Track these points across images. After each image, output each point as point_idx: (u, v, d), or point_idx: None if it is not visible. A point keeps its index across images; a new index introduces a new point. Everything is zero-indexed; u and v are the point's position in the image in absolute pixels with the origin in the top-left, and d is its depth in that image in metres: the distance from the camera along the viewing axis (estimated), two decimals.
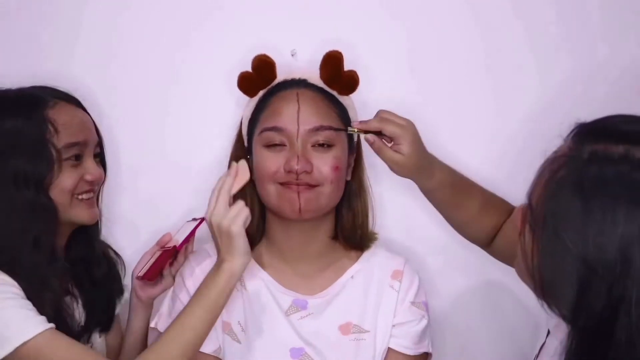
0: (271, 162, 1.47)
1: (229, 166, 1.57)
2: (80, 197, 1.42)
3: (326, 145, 1.48)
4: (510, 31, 1.71)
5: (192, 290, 1.46)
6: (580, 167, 1.03)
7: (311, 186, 1.45)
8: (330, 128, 1.48)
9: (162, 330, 1.49)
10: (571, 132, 1.09)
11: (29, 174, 1.34)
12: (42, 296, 1.33)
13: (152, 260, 1.50)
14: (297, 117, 1.46)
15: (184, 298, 1.49)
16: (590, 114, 1.74)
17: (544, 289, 1.06)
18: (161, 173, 1.76)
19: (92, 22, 1.71)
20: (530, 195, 1.09)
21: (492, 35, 1.72)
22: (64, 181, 1.39)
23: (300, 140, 1.46)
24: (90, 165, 1.44)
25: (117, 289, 1.57)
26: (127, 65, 1.73)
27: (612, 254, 0.99)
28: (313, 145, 1.47)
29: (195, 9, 1.71)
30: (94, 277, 1.50)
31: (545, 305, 1.07)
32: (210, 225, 1.38)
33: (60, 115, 1.40)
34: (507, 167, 1.71)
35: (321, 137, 1.47)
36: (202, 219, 1.46)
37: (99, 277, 1.51)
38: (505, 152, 1.73)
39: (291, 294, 1.54)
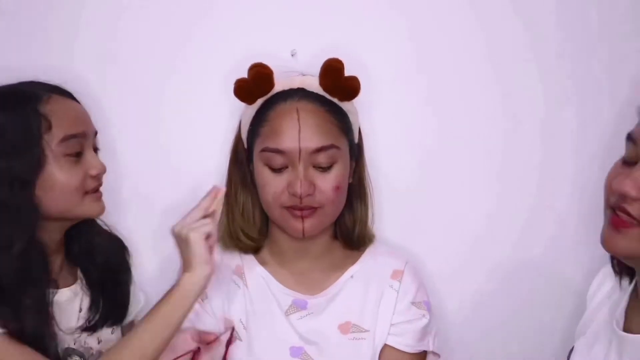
0: (275, 184, 1.46)
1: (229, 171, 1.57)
2: (90, 192, 1.39)
3: (327, 166, 1.47)
4: (513, 32, 1.70)
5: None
6: None
7: (314, 209, 1.46)
8: (332, 147, 1.45)
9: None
10: None
11: (15, 172, 1.29)
12: (23, 302, 1.29)
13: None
14: (299, 138, 1.45)
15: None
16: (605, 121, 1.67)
17: None
18: (160, 176, 1.72)
19: (89, 25, 1.68)
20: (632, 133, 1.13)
21: (497, 39, 1.70)
22: (68, 179, 1.34)
23: (302, 162, 1.45)
24: (92, 159, 1.39)
25: (127, 278, 1.52)
26: (123, 67, 1.69)
27: None
28: (314, 166, 1.46)
29: (192, 10, 1.69)
30: (98, 268, 1.47)
31: None
32: (173, 236, 1.36)
33: (54, 109, 1.34)
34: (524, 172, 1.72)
35: (323, 158, 1.45)
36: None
37: (101, 265, 1.48)
38: (516, 156, 1.73)
39: (291, 293, 1.55)
